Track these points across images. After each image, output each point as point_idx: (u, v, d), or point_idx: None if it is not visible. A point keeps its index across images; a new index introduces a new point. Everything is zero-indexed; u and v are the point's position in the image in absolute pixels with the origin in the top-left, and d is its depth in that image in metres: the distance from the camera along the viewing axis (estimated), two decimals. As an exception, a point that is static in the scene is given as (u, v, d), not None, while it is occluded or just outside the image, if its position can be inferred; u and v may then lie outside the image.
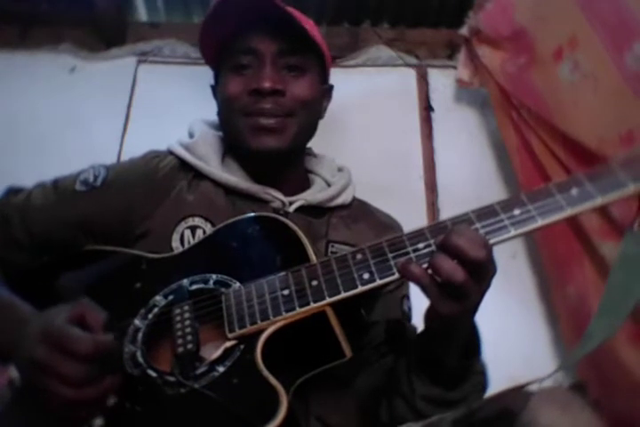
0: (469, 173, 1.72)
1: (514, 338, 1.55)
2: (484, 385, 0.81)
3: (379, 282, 0.70)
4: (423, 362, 0.78)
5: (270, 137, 0.90)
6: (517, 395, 0.67)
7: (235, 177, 0.94)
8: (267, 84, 0.89)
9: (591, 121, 1.25)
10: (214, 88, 1.01)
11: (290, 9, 0.92)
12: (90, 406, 0.63)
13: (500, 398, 0.69)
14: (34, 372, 0.61)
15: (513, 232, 0.69)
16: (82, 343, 0.61)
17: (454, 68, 1.78)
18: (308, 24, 0.95)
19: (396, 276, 0.69)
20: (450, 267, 0.64)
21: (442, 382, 0.77)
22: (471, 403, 0.77)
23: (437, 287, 0.66)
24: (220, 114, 0.98)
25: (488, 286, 0.68)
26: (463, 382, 0.78)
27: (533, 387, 0.66)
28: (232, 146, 0.98)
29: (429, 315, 0.72)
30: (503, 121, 1.60)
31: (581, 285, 1.34)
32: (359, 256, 0.72)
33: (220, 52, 0.97)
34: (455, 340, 0.74)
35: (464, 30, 1.67)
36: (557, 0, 1.37)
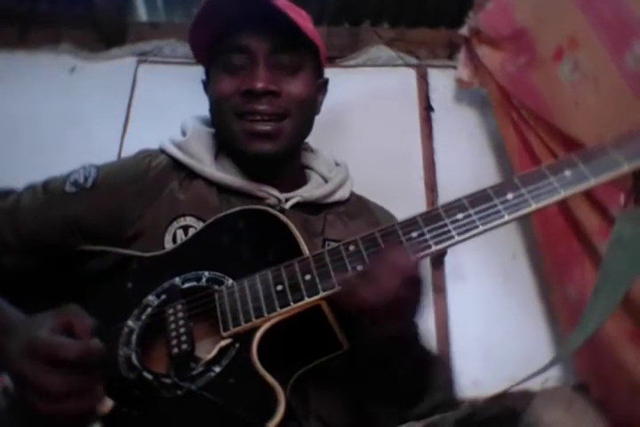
0: (469, 173, 1.72)
1: (514, 338, 1.55)
2: (448, 399, 0.81)
3: None
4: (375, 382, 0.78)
5: (266, 142, 0.88)
6: (520, 395, 0.67)
7: (228, 175, 0.93)
8: (260, 85, 0.86)
9: (591, 121, 1.25)
10: (205, 84, 0.99)
11: (281, 2, 0.89)
12: (77, 418, 0.60)
13: (502, 397, 0.69)
14: (20, 385, 0.60)
15: (507, 217, 0.68)
16: (66, 350, 0.59)
17: (454, 68, 1.78)
18: (301, 17, 0.92)
19: None
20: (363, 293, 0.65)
21: (397, 401, 0.78)
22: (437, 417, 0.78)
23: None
24: (212, 113, 0.96)
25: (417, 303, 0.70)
26: (419, 401, 0.78)
27: (536, 384, 0.66)
28: (225, 145, 0.97)
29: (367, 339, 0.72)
30: (503, 121, 1.60)
31: (581, 285, 1.34)
32: (352, 248, 0.71)
33: (211, 48, 0.93)
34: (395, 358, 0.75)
35: (464, 30, 1.67)
36: (557, 0, 1.36)
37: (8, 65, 1.79)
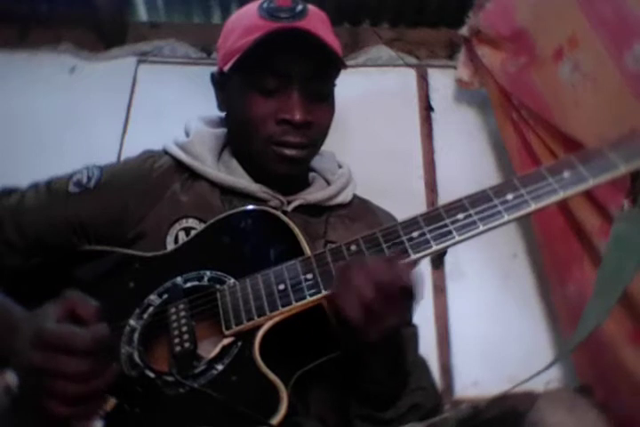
0: (469, 173, 1.72)
1: (514, 338, 1.55)
2: (425, 402, 0.81)
3: None
4: (350, 383, 0.79)
5: (293, 166, 0.92)
6: (524, 396, 0.67)
7: (232, 176, 0.93)
8: (299, 117, 0.87)
9: (591, 121, 1.25)
10: (216, 79, 0.97)
11: (321, 31, 0.88)
12: (95, 403, 0.62)
13: (505, 398, 0.69)
14: (34, 379, 0.59)
15: (506, 217, 0.69)
16: (79, 340, 0.59)
17: (454, 68, 1.78)
18: (335, 43, 0.91)
19: None
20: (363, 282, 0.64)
21: (371, 402, 0.78)
22: (411, 419, 0.78)
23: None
24: (235, 127, 0.96)
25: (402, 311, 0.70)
26: (395, 402, 0.78)
27: (538, 386, 0.66)
28: (245, 157, 0.96)
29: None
30: (503, 121, 1.60)
31: (581, 284, 1.34)
32: (353, 247, 0.72)
33: (241, 59, 0.89)
34: (377, 361, 0.75)
35: (464, 30, 1.67)
36: (557, 0, 1.37)
37: (8, 65, 1.79)
